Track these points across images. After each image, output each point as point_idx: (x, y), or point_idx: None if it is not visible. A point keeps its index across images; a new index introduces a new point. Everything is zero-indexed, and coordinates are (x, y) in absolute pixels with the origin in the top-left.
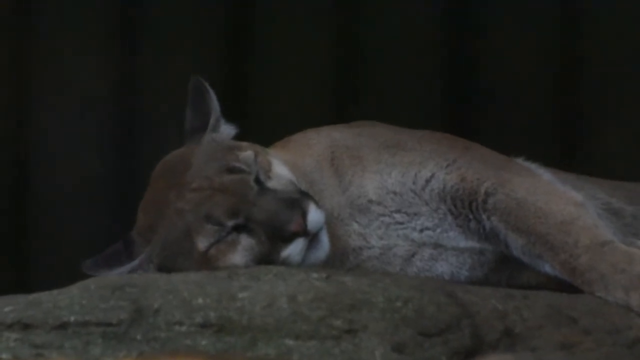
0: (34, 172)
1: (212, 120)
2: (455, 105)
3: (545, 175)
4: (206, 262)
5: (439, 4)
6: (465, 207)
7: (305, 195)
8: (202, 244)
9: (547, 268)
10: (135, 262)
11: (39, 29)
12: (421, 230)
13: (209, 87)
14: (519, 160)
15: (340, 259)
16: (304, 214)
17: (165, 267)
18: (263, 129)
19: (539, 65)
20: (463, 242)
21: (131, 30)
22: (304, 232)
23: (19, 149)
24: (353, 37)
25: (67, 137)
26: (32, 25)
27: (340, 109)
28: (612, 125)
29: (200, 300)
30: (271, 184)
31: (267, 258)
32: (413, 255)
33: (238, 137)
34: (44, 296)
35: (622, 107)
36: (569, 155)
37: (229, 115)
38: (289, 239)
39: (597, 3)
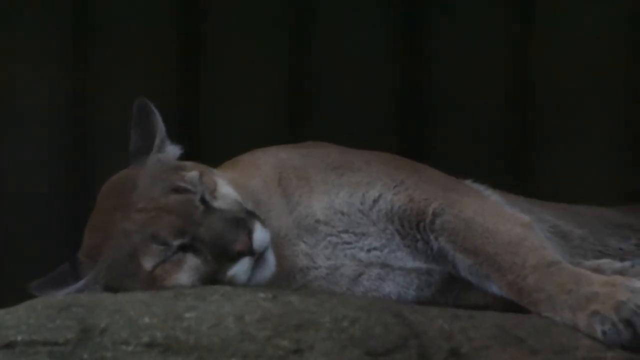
0: None
1: (157, 141)
2: (407, 126)
3: (493, 196)
4: (152, 282)
5: (392, 24)
6: (412, 227)
7: (251, 215)
8: (148, 263)
9: (495, 288)
10: (82, 283)
11: None
12: (369, 250)
13: (153, 108)
14: (468, 182)
15: (287, 278)
16: (249, 233)
17: (111, 288)
18: (215, 147)
19: (490, 87)
20: (410, 262)
21: (83, 48)
22: (249, 251)
23: None
24: (305, 56)
25: (17, 155)
26: None
27: (292, 129)
28: (561, 148)
29: (146, 320)
30: (217, 203)
31: (213, 277)
32: (360, 275)
33: (189, 156)
34: None
35: (572, 129)
36: (519, 177)
37: (180, 134)
38: (234, 258)
39: (546, 24)
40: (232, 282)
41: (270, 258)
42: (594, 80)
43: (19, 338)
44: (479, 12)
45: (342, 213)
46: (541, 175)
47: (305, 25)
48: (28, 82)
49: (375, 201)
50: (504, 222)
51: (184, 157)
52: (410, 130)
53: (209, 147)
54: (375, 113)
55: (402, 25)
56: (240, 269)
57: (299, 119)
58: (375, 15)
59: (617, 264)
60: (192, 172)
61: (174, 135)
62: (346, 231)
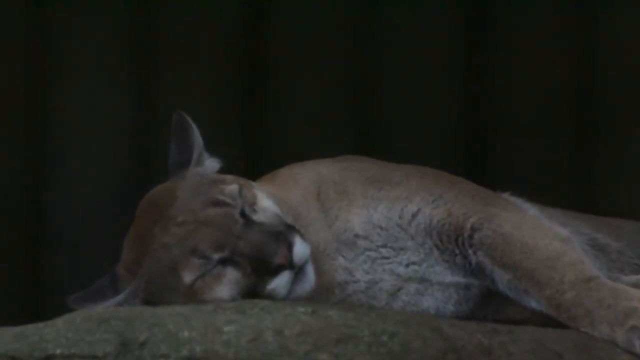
0: (48, 197)
1: (195, 155)
2: (469, 134)
3: (531, 210)
4: (192, 295)
5: (456, 37)
6: (451, 242)
7: (290, 228)
8: (188, 277)
9: (533, 303)
10: (121, 297)
11: (55, 62)
12: (407, 265)
13: (191, 122)
14: (505, 195)
15: (326, 293)
16: (289, 247)
17: (151, 302)
18: (274, 156)
19: (552, 100)
20: (449, 277)
21: (144, 60)
22: (289, 264)
23: (31, 177)
24: (369, 67)
25: (83, 162)
26: (48, 58)
27: (353, 138)
28: (621, 159)
29: (186, 333)
30: (256, 217)
31: (253, 291)
32: (399, 290)
33: (251, 166)
34: (29, 329)
35: (633, 135)
36: (578, 188)
37: (242, 144)
38: (274, 271)
39: (609, 37)
40: (272, 296)
41: (310, 272)
42: None
43: (58, 351)
44: (542, 25)
45: (381, 227)
46: (598, 187)
47: (369, 34)
48: (90, 94)
49: (414, 215)
50: (542, 236)
51: (246, 168)
52: (473, 136)
53: (270, 155)
54: (438, 120)
55: (466, 39)
56: (280, 282)
57: (362, 127)
58: (437, 22)
59: None
60: (232, 186)
61: (236, 145)
62: (385, 245)
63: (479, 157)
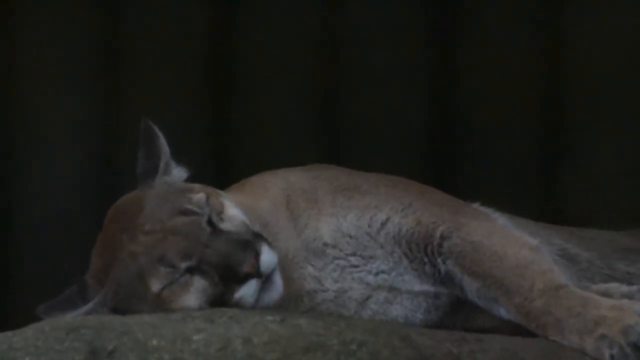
0: (15, 203)
1: (162, 164)
2: (437, 147)
3: (500, 219)
4: (160, 304)
5: (419, 40)
6: (420, 250)
7: (258, 237)
8: (155, 286)
9: (502, 312)
10: (90, 306)
11: (23, 63)
12: (376, 274)
13: (157, 131)
14: (475, 205)
15: (295, 301)
16: (256, 255)
17: (119, 310)
18: (242, 165)
19: (518, 105)
20: (418, 286)
21: (112, 66)
22: (256, 273)
23: (1, 180)
24: (335, 75)
25: (46, 172)
26: (16, 59)
27: (319, 147)
28: (588, 167)
29: (154, 342)
30: (224, 225)
31: (220, 300)
32: (368, 299)
33: (220, 173)
34: None
35: (599, 140)
36: (545, 197)
37: (210, 149)
38: (241, 280)
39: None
40: (239, 305)
41: (278, 280)
42: (624, 96)
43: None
44: (508, 28)
45: (350, 236)
46: (567, 195)
47: (335, 42)
48: (58, 96)
49: (383, 224)
50: (511, 245)
51: (215, 174)
52: (438, 142)
53: (238, 164)
54: (404, 126)
55: (431, 41)
56: (248, 291)
57: (328, 135)
58: (403, 31)
59: (625, 288)
60: (199, 194)
61: (204, 150)
62: (354, 254)
63: (446, 167)
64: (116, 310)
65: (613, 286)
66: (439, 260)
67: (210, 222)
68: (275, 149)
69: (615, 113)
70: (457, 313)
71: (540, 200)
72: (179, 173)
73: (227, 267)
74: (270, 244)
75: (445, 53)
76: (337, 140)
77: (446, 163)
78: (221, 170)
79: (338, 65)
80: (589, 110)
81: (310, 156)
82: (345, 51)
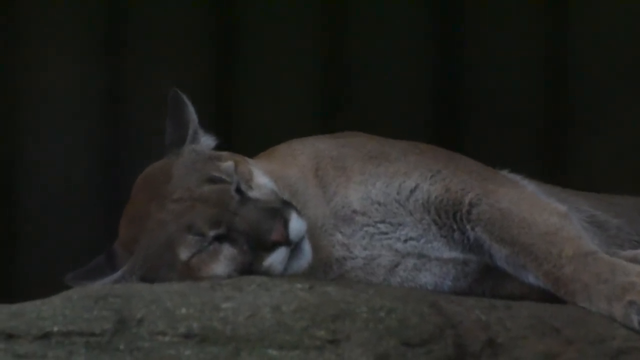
0: (19, 181)
1: (190, 132)
2: (443, 115)
3: (529, 186)
4: (189, 272)
5: (427, 11)
6: (449, 217)
7: (287, 205)
8: (184, 254)
9: (531, 278)
10: (118, 274)
11: (26, 39)
12: (405, 241)
13: (186, 99)
14: (504, 172)
15: (324, 269)
16: (285, 223)
17: (147, 279)
18: (249, 138)
19: (526, 75)
20: (447, 253)
21: (118, 39)
22: (285, 241)
23: (3, 158)
24: (340, 46)
25: (53, 147)
26: (19, 36)
27: (326, 118)
28: (599, 138)
29: (183, 310)
30: (252, 193)
31: (249, 268)
32: (397, 266)
33: (224, 146)
34: (27, 306)
35: (610, 119)
36: (554, 167)
37: (216, 124)
38: (270, 248)
39: (582, 10)
40: (268, 272)
41: (307, 248)
42: (630, 68)
43: (55, 329)
44: (514, 8)
45: (379, 203)
46: (576, 164)
47: (340, 14)
48: (64, 77)
49: (412, 191)
50: (540, 212)
51: (219, 147)
52: (447, 119)
53: (244, 137)
54: (410, 102)
55: (437, 11)
56: (277, 258)
57: (334, 107)
58: (411, 3)
59: None
60: (228, 162)
61: (209, 126)
62: (383, 221)
63: (452, 142)
64: (144, 278)
65: None
66: (468, 227)
67: (238, 190)
68: (278, 126)
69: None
70: (485, 280)
71: (549, 177)
72: (207, 141)
73: (256, 235)
74: (298, 212)
75: (454, 30)
76: (344, 111)
77: (450, 138)
78: (225, 145)
79: (345, 36)
80: (595, 86)
81: (317, 129)
82: (352, 24)
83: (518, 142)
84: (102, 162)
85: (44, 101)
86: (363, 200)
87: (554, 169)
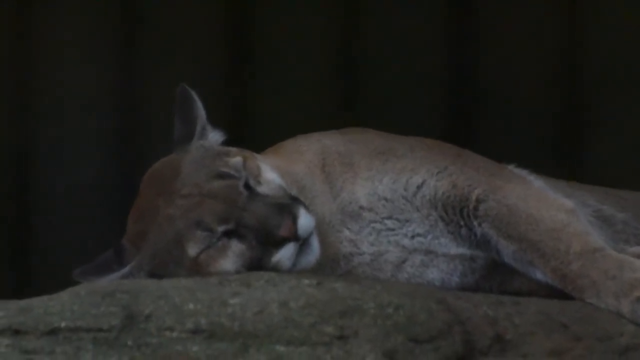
0: (32, 177)
1: (198, 128)
2: (456, 112)
3: (536, 182)
4: (197, 268)
5: (441, 8)
6: (456, 213)
7: (295, 201)
8: (192, 250)
9: (538, 275)
10: (126, 269)
11: (40, 34)
12: (412, 237)
13: (194, 95)
14: (511, 167)
15: (331, 265)
16: (294, 219)
17: (156, 274)
18: (262, 132)
19: (539, 72)
20: (454, 249)
21: (132, 35)
22: (294, 236)
23: (19, 154)
24: (354, 43)
25: (66, 144)
26: (33, 31)
27: (340, 115)
28: (613, 134)
29: (191, 306)
30: (261, 189)
31: (257, 263)
32: (404, 262)
33: (237, 140)
34: (34, 302)
35: (623, 115)
36: (565, 161)
37: (228, 119)
38: (279, 243)
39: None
40: (276, 268)
41: (315, 244)
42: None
43: (63, 324)
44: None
45: (386, 199)
46: (590, 160)
47: (354, 11)
48: (75, 72)
49: (419, 187)
50: (547, 208)
51: (233, 142)
52: (459, 115)
53: (258, 133)
54: (424, 99)
55: (452, 9)
56: (285, 254)
57: (347, 105)
58: (425, 6)
59: None
60: (236, 158)
61: (222, 120)
62: (390, 217)
63: (465, 137)
64: (153, 274)
65: None
66: (475, 223)
67: (247, 186)
68: (295, 120)
69: (635, 87)
70: (493, 276)
71: (562, 172)
72: (215, 137)
73: (264, 230)
74: (307, 208)
75: (467, 26)
76: (359, 108)
77: (464, 133)
78: (239, 143)
79: (358, 32)
80: (607, 78)
81: (331, 125)
82: (366, 20)
83: (531, 139)
84: (115, 158)
85: (58, 99)
86: (370, 197)
87: (568, 166)
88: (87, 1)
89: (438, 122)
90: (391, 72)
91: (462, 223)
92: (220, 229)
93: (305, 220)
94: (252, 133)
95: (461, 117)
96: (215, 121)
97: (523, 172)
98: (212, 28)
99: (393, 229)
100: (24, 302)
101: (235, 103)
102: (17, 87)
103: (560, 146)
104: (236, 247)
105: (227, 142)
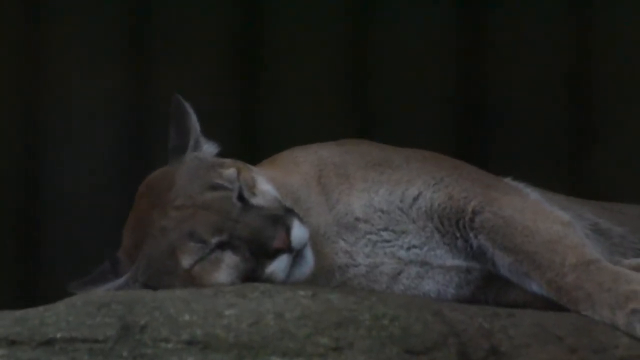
0: (43, 182)
1: (192, 140)
2: (466, 125)
3: (532, 194)
4: (191, 280)
5: (450, 19)
6: (452, 225)
7: (289, 212)
8: (186, 262)
9: (534, 286)
10: (121, 280)
11: (50, 40)
12: (408, 248)
13: (188, 107)
14: (507, 180)
15: (327, 276)
16: (287, 230)
17: (150, 286)
18: (270, 140)
19: (549, 86)
20: (450, 260)
21: (140, 42)
22: (287, 248)
23: (29, 159)
24: (364, 54)
25: (76, 150)
26: (43, 36)
27: (347, 124)
28: (623, 151)
29: (186, 317)
30: (255, 200)
31: (251, 275)
32: (399, 273)
33: (246, 147)
34: (30, 312)
35: (628, 129)
36: (573, 175)
37: (237, 126)
38: (273, 255)
39: (607, 22)
40: (270, 280)
41: (309, 255)
42: None
43: (59, 335)
44: (539, 10)
45: (382, 211)
46: (599, 176)
47: (364, 21)
48: (85, 77)
49: (415, 199)
50: (543, 220)
51: (241, 148)
52: (468, 128)
53: (267, 139)
54: (433, 107)
55: (461, 19)
56: (279, 266)
57: (356, 112)
58: (435, 9)
59: None
60: (230, 170)
61: (231, 126)
62: (386, 229)
63: (477, 145)
64: (147, 285)
65: None
66: (471, 234)
67: (240, 197)
68: (303, 128)
69: None
70: (489, 288)
71: (572, 176)
72: (209, 148)
73: (258, 242)
74: (301, 219)
75: (476, 30)
76: (367, 117)
77: (476, 141)
78: (249, 147)
79: (368, 41)
80: (619, 86)
81: (338, 133)
82: (375, 27)
83: (540, 153)
84: (124, 165)
85: (68, 104)
86: (366, 208)
87: (577, 178)
88: (97, 10)
89: (447, 132)
90: (400, 82)
91: (458, 235)
92: (214, 240)
93: (298, 232)
94: (260, 140)
95: (470, 127)
96: (224, 127)
97: (519, 185)
98: (222, 35)
99: (389, 241)
100: (19, 313)
101: (244, 110)
102: (27, 93)
103: (570, 159)
104: (230, 258)
105: (224, 153)
